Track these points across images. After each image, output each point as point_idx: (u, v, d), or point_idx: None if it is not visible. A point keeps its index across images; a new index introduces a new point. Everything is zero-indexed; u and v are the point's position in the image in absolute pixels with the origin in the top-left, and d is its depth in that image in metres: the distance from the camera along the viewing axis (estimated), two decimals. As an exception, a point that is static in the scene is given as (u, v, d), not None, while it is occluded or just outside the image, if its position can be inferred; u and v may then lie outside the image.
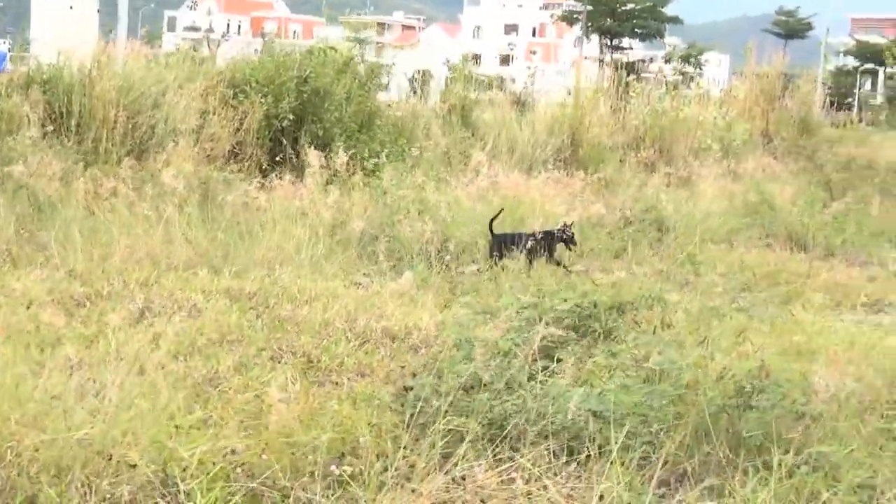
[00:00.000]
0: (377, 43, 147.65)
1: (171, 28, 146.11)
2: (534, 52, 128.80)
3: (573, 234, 13.06)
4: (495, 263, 12.49)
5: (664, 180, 19.54)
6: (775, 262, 13.70)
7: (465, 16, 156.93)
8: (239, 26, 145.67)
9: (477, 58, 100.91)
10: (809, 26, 64.66)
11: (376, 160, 15.90)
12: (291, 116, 16.48)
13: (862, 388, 7.36)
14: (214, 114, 16.00)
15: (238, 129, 16.20)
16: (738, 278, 11.73)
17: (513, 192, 15.51)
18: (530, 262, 12.50)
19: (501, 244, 12.72)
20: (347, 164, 15.36)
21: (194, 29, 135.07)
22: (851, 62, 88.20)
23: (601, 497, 4.97)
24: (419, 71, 29.81)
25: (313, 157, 14.08)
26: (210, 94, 16.31)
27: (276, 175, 14.88)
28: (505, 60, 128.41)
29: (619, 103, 23.91)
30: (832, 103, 58.95)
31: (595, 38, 70.92)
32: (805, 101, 26.84)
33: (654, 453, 5.65)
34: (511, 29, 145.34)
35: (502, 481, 5.03)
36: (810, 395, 6.69)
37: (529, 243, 12.48)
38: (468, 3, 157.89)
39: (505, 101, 23.71)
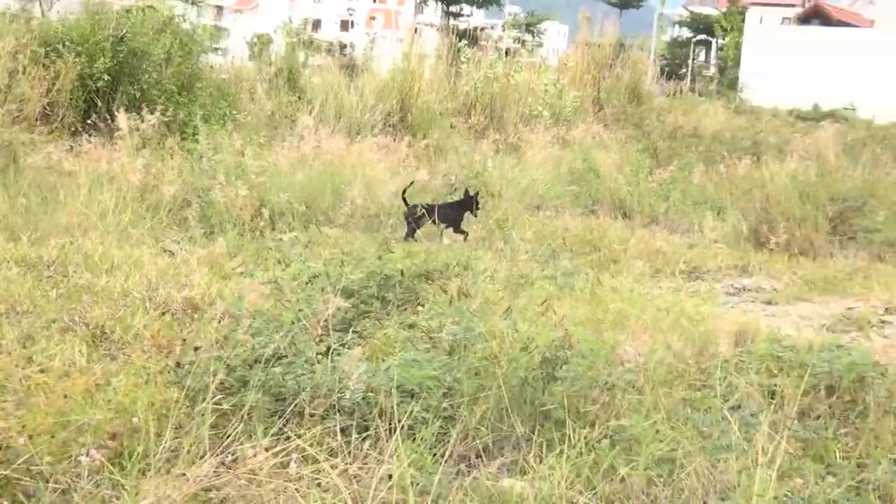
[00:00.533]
0: (214, 6, 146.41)
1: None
2: (374, 18, 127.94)
3: (478, 201, 13.21)
4: (412, 234, 12.60)
5: (493, 147, 19.38)
6: (598, 229, 13.60)
7: None
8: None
9: (316, 23, 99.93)
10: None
11: (195, 123, 15.31)
12: (106, 77, 15.75)
13: (671, 358, 7.23)
14: (24, 73, 15.22)
15: (50, 90, 15.44)
16: (552, 245, 11.56)
17: (336, 157, 15.14)
18: (441, 232, 12.88)
19: (414, 214, 12.76)
20: (168, 126, 14.86)
21: None
22: (686, 33, 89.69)
23: (389, 477, 4.67)
24: (257, 35, 29.15)
25: (122, 119, 13.44)
26: (21, 52, 15.51)
27: (87, 138, 14.22)
28: (345, 26, 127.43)
29: (450, 69, 23.68)
30: (666, 73, 59.75)
31: (435, 4, 70.45)
32: (636, 70, 26.87)
33: (453, 429, 5.41)
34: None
35: (280, 464, 4.69)
36: (616, 366, 6.53)
37: (440, 213, 12.92)
38: None
39: (334, 66, 23.26)
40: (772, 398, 6.23)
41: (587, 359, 5.93)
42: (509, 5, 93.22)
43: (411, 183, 13.48)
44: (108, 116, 15.30)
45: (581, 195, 16.00)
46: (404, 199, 12.99)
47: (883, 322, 9.99)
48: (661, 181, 16.44)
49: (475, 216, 13.20)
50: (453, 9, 71.91)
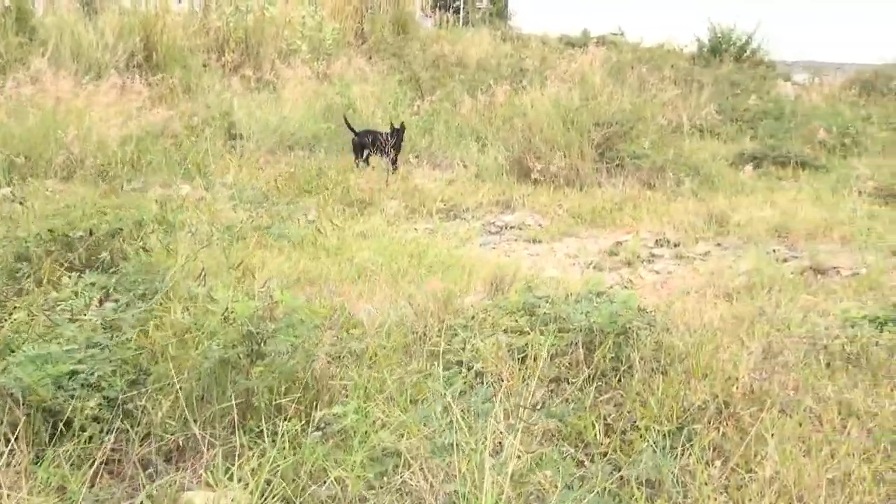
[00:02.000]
0: None
1: None
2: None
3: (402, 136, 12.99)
4: (365, 160, 12.95)
5: (245, 84, 18.06)
6: (348, 168, 12.53)
7: None
8: None
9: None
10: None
11: None
12: None
13: (412, 316, 6.21)
14: None
15: None
16: (262, 188, 10.48)
17: (62, 102, 13.59)
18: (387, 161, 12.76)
19: (364, 142, 13.03)
20: None
21: None
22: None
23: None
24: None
25: None
26: None
27: None
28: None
29: (204, 3, 22.24)
30: (439, 5, 58.96)
31: None
32: (400, 1, 25.70)
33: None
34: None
35: None
36: (342, 332, 5.48)
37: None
38: None
39: (71, 4, 21.45)
40: (522, 362, 5.26)
41: (296, 329, 4.81)
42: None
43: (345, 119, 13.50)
44: None
45: (340, 132, 14.81)
46: (349, 126, 13.32)
47: (653, 256, 9.23)
48: (423, 113, 15.44)
49: (398, 149, 12.88)
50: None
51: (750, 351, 5.87)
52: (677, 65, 22.10)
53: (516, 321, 5.70)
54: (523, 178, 11.86)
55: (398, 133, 12.79)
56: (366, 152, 12.99)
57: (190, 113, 15.03)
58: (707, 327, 6.23)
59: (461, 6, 67.78)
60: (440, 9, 44.76)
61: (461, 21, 43.68)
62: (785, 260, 9.07)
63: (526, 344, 5.35)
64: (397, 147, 12.84)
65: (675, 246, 9.49)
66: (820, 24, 32.72)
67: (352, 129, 13.08)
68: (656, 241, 9.62)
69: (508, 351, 5.37)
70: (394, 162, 12.84)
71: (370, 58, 22.28)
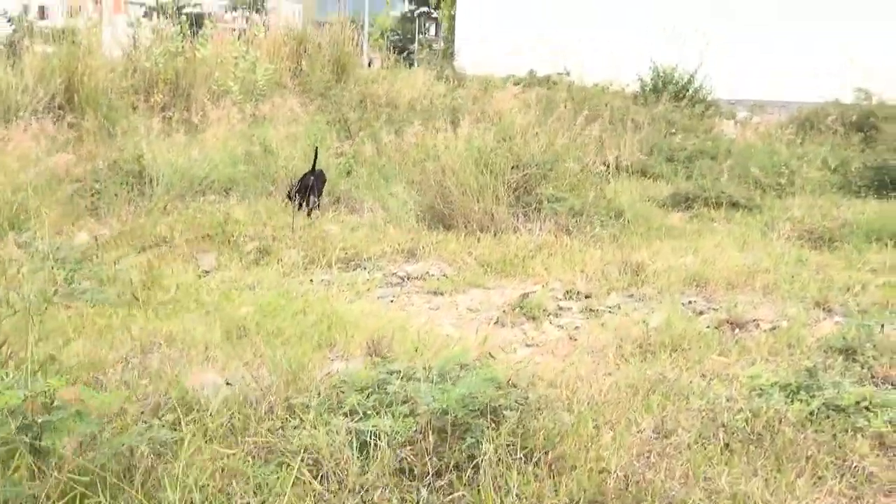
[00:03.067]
0: None
1: None
2: (97, 2, 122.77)
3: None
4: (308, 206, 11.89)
5: (167, 126, 17.12)
6: (265, 214, 11.64)
7: None
8: None
9: (42, 10, 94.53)
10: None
11: None
12: None
13: (257, 391, 5.32)
14: None
15: None
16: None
17: None
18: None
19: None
20: None
21: None
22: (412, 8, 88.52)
23: None
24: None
25: None
26: None
27: None
28: (76, 12, 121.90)
29: (132, 46, 21.34)
30: (394, 48, 58.38)
31: None
32: (337, 42, 24.78)
33: None
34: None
35: None
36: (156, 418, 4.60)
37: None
38: None
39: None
40: (362, 452, 4.38)
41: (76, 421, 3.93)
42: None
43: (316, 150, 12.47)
44: None
45: (260, 175, 13.87)
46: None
47: (560, 309, 8.36)
48: (344, 154, 14.57)
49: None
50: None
51: (639, 430, 5.03)
52: (612, 104, 21.28)
53: (364, 400, 4.78)
54: (435, 224, 10.98)
55: (313, 176, 11.99)
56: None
57: (102, 157, 14.06)
58: (593, 401, 5.37)
59: (415, 48, 67.28)
60: (388, 50, 44.01)
61: (409, 63, 42.94)
62: (701, 312, 8.24)
63: (373, 428, 4.47)
64: (315, 191, 12.06)
65: (586, 297, 8.63)
66: (767, 60, 32.26)
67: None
68: (566, 292, 8.75)
69: (349, 437, 4.48)
70: (309, 205, 12.05)
71: (307, 99, 21.38)
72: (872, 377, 6.39)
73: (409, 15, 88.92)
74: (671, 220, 12.66)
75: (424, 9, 70.82)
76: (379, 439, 4.33)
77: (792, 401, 5.49)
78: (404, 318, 7.86)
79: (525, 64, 34.39)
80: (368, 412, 4.64)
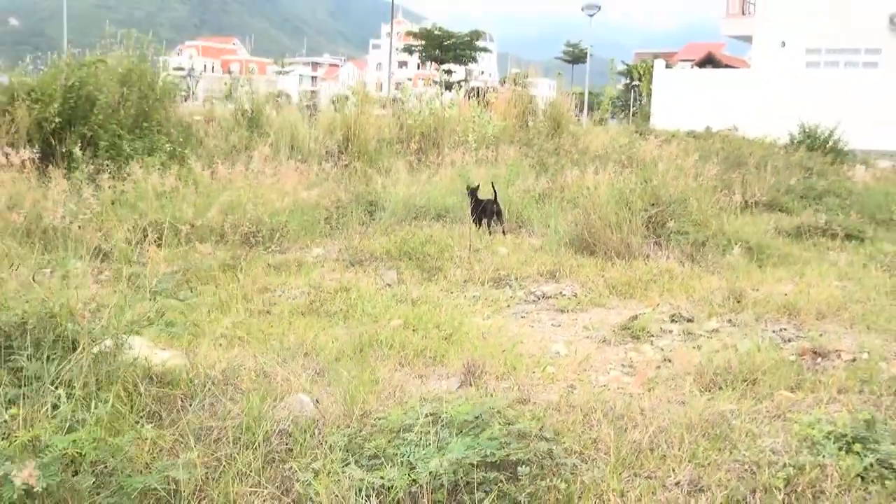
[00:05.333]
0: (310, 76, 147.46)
1: (164, 68, 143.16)
2: (409, 80, 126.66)
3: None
4: (479, 224, 11.07)
5: (412, 167, 16.18)
6: (459, 237, 10.38)
7: (369, 56, 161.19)
8: (213, 67, 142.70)
9: (379, 85, 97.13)
10: (587, 54, 61.21)
11: (126, 154, 12.36)
12: (58, 120, 12.72)
13: (313, 418, 4.06)
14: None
15: (8, 132, 12.49)
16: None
17: (246, 181, 11.97)
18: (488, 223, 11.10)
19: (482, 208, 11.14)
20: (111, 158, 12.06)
21: (180, 69, 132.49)
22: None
23: None
24: (336, 96, 26.02)
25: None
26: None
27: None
28: (397, 86, 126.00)
29: (399, 109, 20.59)
30: (615, 112, 56.59)
31: (429, 64, 67.75)
32: (558, 105, 23.26)
33: None
34: (402, 63, 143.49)
35: None
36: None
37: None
38: (372, 48, 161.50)
39: (294, 107, 20.12)
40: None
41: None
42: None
43: (477, 186, 11.42)
44: (68, 153, 12.40)
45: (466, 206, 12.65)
46: (475, 194, 11.23)
47: (663, 331, 6.73)
48: (531, 190, 13.15)
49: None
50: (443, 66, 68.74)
51: (676, 481, 3.50)
52: (756, 152, 18.92)
53: (385, 448, 3.43)
54: (580, 250, 9.45)
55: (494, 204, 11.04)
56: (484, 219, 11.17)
57: (349, 190, 13.15)
58: (637, 447, 3.85)
59: (630, 111, 64.93)
60: (611, 112, 42.05)
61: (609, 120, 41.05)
62: (789, 340, 6.45)
63: (383, 483, 3.13)
64: (490, 214, 10.90)
65: (689, 321, 6.96)
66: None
67: (475, 197, 11.20)
68: (672, 315, 7.09)
69: (355, 491, 3.14)
70: (488, 225, 11.06)
71: (524, 148, 20.02)
72: (942, 423, 4.57)
73: (628, 86, 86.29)
74: (791, 248, 10.67)
75: (636, 83, 68.08)
76: (371, 495, 2.99)
77: (847, 452, 3.81)
78: (525, 335, 6.48)
79: (704, 121, 31.83)
80: (384, 460, 3.29)
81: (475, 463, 3.15)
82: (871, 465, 3.70)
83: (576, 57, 79.81)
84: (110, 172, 11.25)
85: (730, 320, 6.96)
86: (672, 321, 6.94)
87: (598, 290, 7.89)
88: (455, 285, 8.10)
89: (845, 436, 3.94)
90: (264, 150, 14.70)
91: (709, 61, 45.80)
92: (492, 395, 4.62)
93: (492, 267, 8.63)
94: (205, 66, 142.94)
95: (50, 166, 11.94)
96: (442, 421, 3.44)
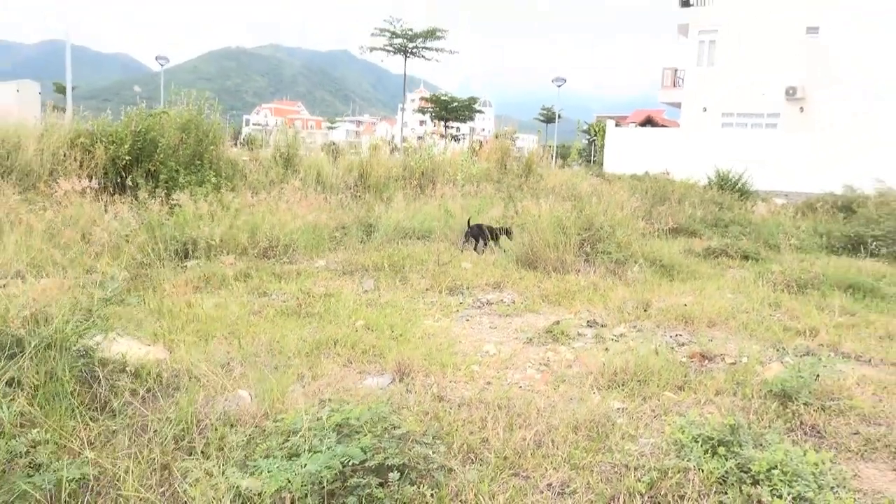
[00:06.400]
0: (355, 131, 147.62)
1: (247, 124, 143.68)
2: (420, 137, 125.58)
3: (511, 229, 10.41)
4: (474, 247, 10.37)
5: (407, 198, 15.50)
6: (435, 253, 9.71)
7: (398, 116, 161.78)
8: (281, 123, 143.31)
9: (405, 138, 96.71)
10: (559, 115, 60.16)
11: (180, 186, 11.76)
12: (128, 157, 12.14)
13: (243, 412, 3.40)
14: (69, 158, 11.75)
15: (89, 167, 11.91)
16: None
17: (283, 206, 11.33)
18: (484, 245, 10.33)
19: (474, 233, 10.49)
20: (169, 190, 11.48)
21: (258, 125, 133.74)
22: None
23: None
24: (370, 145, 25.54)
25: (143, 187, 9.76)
26: (72, 145, 12.06)
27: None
28: (420, 138, 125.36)
29: (406, 154, 19.97)
30: (580, 161, 56.05)
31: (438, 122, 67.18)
32: (531, 154, 22.56)
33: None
34: (423, 122, 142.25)
35: None
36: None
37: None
38: (400, 110, 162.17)
39: (321, 150, 19.51)
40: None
41: None
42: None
43: (469, 220, 11.05)
44: (134, 184, 11.84)
45: (444, 229, 11.97)
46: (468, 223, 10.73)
47: (579, 335, 6.04)
48: (498, 218, 12.47)
49: (510, 239, 10.08)
50: (448, 123, 67.88)
51: (548, 484, 2.81)
52: (678, 190, 18.15)
53: (274, 451, 2.76)
54: (525, 266, 8.76)
55: (507, 229, 10.49)
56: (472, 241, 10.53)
57: (354, 215, 12.49)
58: (522, 448, 3.17)
59: (591, 160, 64.18)
60: (577, 161, 41.37)
61: (575, 166, 40.33)
62: (683, 344, 5.76)
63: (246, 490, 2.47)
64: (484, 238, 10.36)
65: (602, 326, 6.28)
66: (796, 166, 27.83)
67: (469, 225, 10.68)
68: (588, 321, 6.41)
69: (231, 497, 2.48)
70: (475, 246, 10.45)
71: (498, 185, 19.31)
72: (801, 424, 3.88)
73: (590, 140, 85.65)
74: (699, 266, 9.97)
75: (594, 138, 67.33)
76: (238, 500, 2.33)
77: (712, 455, 3.13)
78: (465, 335, 5.81)
79: (644, 167, 31.12)
80: (263, 461, 2.62)
81: (355, 466, 2.50)
82: (732, 469, 3.03)
83: (548, 118, 79.14)
84: (161, 200, 10.67)
85: (636, 326, 6.27)
86: (588, 326, 6.26)
87: (533, 299, 7.21)
88: (418, 292, 7.43)
89: (712, 439, 3.27)
90: (295, 184, 14.03)
91: (649, 122, 45.11)
92: (413, 393, 3.96)
93: (452, 278, 7.95)
94: (276, 122, 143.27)
95: (118, 194, 11.40)
96: (325, 427, 2.78)
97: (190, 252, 8.98)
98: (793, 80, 31.04)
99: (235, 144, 19.06)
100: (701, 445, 3.22)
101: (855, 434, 3.77)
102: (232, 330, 5.54)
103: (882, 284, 8.59)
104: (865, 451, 3.57)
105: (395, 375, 4.47)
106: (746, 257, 11.10)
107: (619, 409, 4.00)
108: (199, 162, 13.02)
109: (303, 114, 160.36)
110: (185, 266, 8.34)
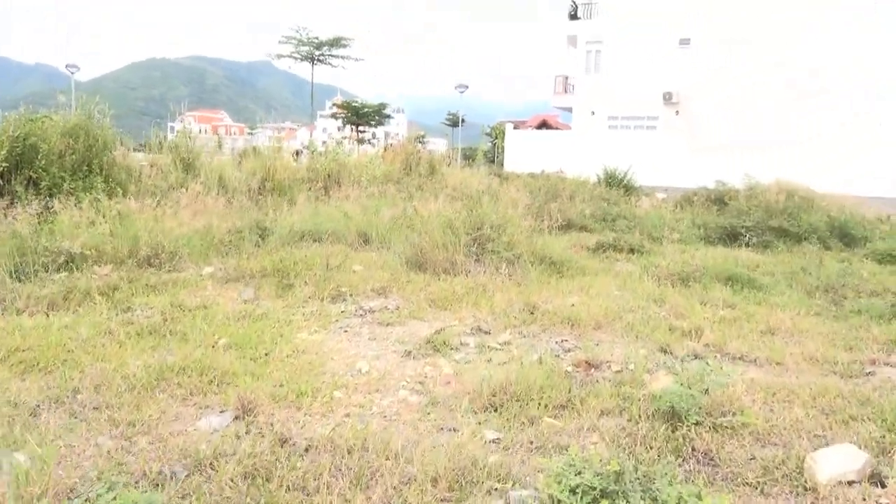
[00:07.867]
0: (277, 137, 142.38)
1: (171, 131, 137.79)
2: (338, 142, 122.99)
3: None
4: None
5: (309, 199, 14.37)
6: (326, 257, 8.68)
7: (317, 122, 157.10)
8: (205, 130, 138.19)
9: (310, 142, 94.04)
10: (463, 121, 59.92)
11: (51, 195, 10.28)
12: (5, 164, 10.52)
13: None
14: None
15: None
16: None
17: (181, 213, 10.00)
18: None
19: None
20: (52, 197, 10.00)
21: (182, 132, 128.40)
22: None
23: None
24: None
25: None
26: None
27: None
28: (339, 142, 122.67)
29: (311, 156, 18.73)
30: (487, 160, 55.60)
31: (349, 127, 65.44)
32: (434, 155, 21.73)
33: None
34: (341, 127, 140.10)
35: None
36: None
37: None
38: (319, 117, 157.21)
39: (225, 154, 18.09)
40: None
41: None
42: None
43: None
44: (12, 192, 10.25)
45: (343, 230, 10.92)
46: None
47: (462, 343, 5.20)
48: (396, 218, 11.55)
49: None
50: (360, 128, 66.20)
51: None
52: (568, 187, 17.72)
53: None
54: (414, 267, 7.88)
55: None
56: None
57: (246, 218, 11.26)
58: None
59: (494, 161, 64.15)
60: (482, 162, 40.76)
61: (480, 167, 39.83)
62: (569, 350, 5.01)
63: None
64: None
65: (486, 333, 5.47)
66: (674, 163, 28.07)
67: None
68: (472, 328, 5.59)
69: None
70: None
71: (400, 186, 18.32)
72: (693, 451, 3.15)
73: (493, 142, 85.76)
74: (589, 261, 9.35)
75: (496, 140, 67.34)
76: None
77: (592, 510, 2.33)
78: (338, 351, 4.87)
79: (540, 166, 30.81)
80: None
81: None
82: (617, 532, 2.24)
83: (454, 122, 78.82)
84: (41, 209, 9.22)
85: (521, 332, 5.49)
86: (472, 333, 5.44)
87: (418, 304, 6.34)
88: (300, 300, 6.43)
89: (594, 489, 2.47)
90: (196, 188, 12.69)
91: (544, 125, 45.20)
92: (250, 435, 2.99)
93: (337, 284, 6.98)
94: (200, 129, 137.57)
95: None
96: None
97: (68, 263, 7.64)
98: (669, 86, 31.53)
99: (150, 151, 17.36)
100: (581, 499, 2.42)
101: (751, 460, 3.08)
102: (68, 358, 4.42)
103: (757, 274, 8.20)
104: (765, 483, 2.87)
105: (237, 412, 3.50)
106: (633, 250, 10.63)
107: (493, 439, 3.18)
108: (86, 168, 11.49)
109: (226, 121, 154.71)
110: (53, 280, 7.05)
